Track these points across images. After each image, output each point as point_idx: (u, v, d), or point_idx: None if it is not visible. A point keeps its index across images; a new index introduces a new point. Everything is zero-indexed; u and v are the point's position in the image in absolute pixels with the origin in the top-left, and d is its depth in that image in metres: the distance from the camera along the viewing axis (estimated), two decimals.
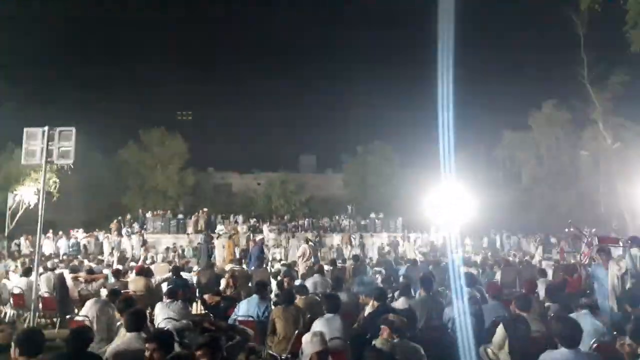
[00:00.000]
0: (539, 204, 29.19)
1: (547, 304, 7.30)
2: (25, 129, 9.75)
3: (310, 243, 18.85)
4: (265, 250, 21.15)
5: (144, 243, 21.54)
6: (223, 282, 9.41)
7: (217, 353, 3.38)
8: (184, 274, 10.67)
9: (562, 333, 4.01)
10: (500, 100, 35.80)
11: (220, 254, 19.19)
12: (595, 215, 26.67)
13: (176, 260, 18.52)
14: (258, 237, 19.32)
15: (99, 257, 17.38)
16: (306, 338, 4.29)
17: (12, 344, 3.61)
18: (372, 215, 28.54)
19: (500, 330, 5.21)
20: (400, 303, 7.02)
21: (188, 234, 23.18)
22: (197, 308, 9.75)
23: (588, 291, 9.15)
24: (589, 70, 25.90)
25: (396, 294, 7.92)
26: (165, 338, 3.86)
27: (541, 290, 8.54)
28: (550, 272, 11.25)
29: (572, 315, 5.43)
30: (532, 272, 11.02)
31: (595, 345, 4.89)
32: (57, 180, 24.06)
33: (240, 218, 27.58)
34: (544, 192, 29.30)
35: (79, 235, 22.38)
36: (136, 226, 24.90)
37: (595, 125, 26.59)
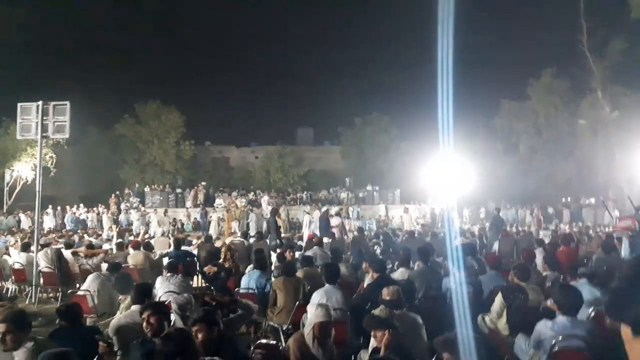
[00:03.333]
0: (537, 173, 29.20)
1: (544, 273, 7.38)
2: (19, 104, 9.72)
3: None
4: (265, 224, 21.32)
5: (165, 213, 21.57)
6: (221, 256, 9.45)
7: (213, 327, 3.40)
8: (184, 248, 10.74)
9: (562, 300, 4.05)
10: (499, 69, 35.51)
11: (215, 228, 19.35)
12: (593, 185, 26.77)
13: (175, 234, 18.66)
14: (323, 208, 19.59)
15: (98, 231, 17.46)
16: (311, 308, 4.32)
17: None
18: (369, 187, 28.58)
19: (498, 299, 5.26)
20: (399, 274, 7.08)
21: (187, 207, 23.23)
22: (197, 281, 9.84)
23: (585, 260, 9.26)
24: (589, 38, 25.57)
25: (395, 264, 7.99)
26: (159, 305, 3.99)
27: (538, 260, 8.63)
28: (547, 242, 11.31)
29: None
30: (530, 241, 11.11)
31: (593, 314, 4.93)
32: (54, 155, 23.97)
33: (237, 192, 27.61)
34: (542, 162, 29.26)
35: (79, 210, 22.41)
36: (135, 200, 24.91)
37: (594, 93, 26.41)
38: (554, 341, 3.88)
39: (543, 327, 4.04)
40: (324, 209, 20.25)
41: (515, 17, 39.31)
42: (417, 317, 4.43)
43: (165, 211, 21.29)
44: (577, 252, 9.63)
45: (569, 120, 28.80)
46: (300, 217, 19.91)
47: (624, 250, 9.32)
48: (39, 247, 9.60)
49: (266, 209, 23.46)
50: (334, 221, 15.47)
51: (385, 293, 4.56)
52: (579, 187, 27.47)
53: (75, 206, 23.00)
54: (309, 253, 8.58)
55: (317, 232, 15.03)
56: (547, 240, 11.55)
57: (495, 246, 11.39)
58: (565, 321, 3.98)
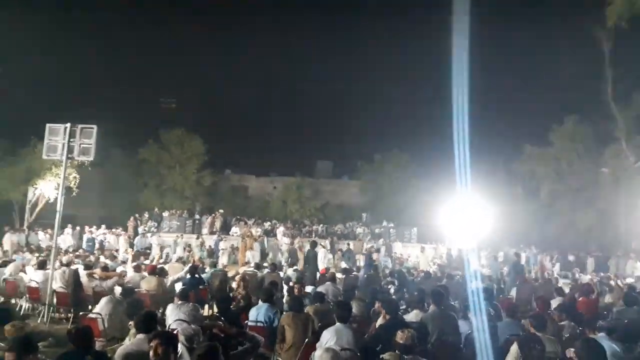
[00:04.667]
0: (558, 220, 28.71)
1: (561, 323, 7.17)
2: (47, 125, 9.97)
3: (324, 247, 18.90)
4: (279, 255, 21.23)
5: (181, 237, 21.69)
6: (234, 285, 9.42)
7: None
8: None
9: (585, 355, 3.92)
10: (521, 114, 35.31)
11: (228, 257, 19.33)
12: (615, 235, 26.16)
13: (190, 260, 18.65)
14: (367, 245, 19.55)
15: (114, 253, 17.56)
16: (318, 352, 4.25)
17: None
18: (385, 223, 28.37)
19: (514, 349, 5.12)
20: (412, 315, 6.95)
21: (201, 235, 23.30)
22: (208, 310, 9.79)
23: (605, 312, 8.97)
24: (613, 87, 25.47)
25: (409, 305, 7.84)
26: (167, 335, 3.97)
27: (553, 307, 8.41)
28: (567, 291, 11.01)
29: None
30: (549, 289, 10.83)
31: None
32: (77, 176, 24.43)
33: (253, 221, 27.63)
34: (563, 209, 28.81)
35: (98, 231, 22.64)
36: (152, 224, 25.10)
37: (617, 143, 26.10)
38: None
39: None
40: (368, 245, 20.15)
41: (540, 62, 39.43)
42: None
43: (181, 236, 21.36)
44: (597, 304, 9.35)
45: (591, 168, 28.43)
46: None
47: None
48: (58, 266, 9.71)
49: (281, 240, 23.41)
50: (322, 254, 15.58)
51: (400, 337, 4.46)
52: (600, 236, 26.88)
53: (94, 227, 23.25)
54: (320, 289, 8.49)
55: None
56: (566, 290, 11.25)
57: (513, 292, 11.13)
58: None
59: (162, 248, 20.86)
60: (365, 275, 12.33)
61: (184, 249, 20.35)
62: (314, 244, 14.86)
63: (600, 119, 26.53)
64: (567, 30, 31.35)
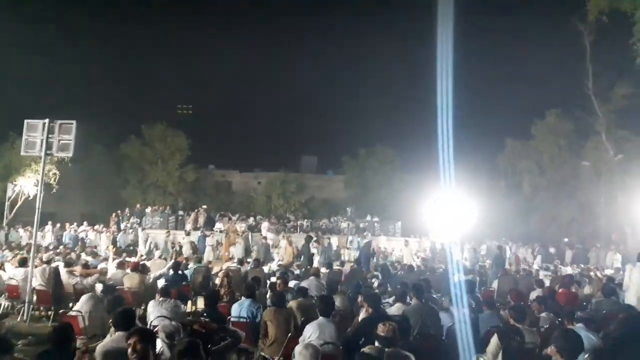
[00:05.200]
0: (539, 213, 29.13)
1: (540, 314, 7.28)
2: (25, 121, 9.78)
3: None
4: (263, 250, 21.15)
5: (168, 235, 21.44)
6: (218, 281, 9.37)
7: (197, 358, 3.38)
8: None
9: (564, 345, 3.96)
10: (503, 108, 35.72)
11: (210, 252, 19.22)
12: (595, 227, 26.65)
13: (173, 256, 18.50)
14: (366, 239, 19.52)
15: (95, 250, 17.36)
16: (299, 348, 4.25)
17: None
18: (369, 217, 28.47)
19: (494, 340, 5.17)
20: (395, 309, 6.99)
21: (186, 230, 23.11)
22: (191, 306, 9.74)
23: (585, 303, 9.12)
24: (594, 81, 25.82)
25: (391, 299, 7.88)
26: (145, 332, 3.93)
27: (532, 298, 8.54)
28: (547, 283, 11.18)
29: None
30: (530, 281, 10.99)
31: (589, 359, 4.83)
32: (57, 172, 24.07)
33: (237, 217, 27.48)
34: (544, 202, 29.23)
35: (79, 228, 22.35)
36: (135, 220, 24.84)
37: (598, 136, 26.51)
38: None
39: None
40: (366, 240, 20.17)
41: (521, 57, 39.86)
42: (410, 356, 4.35)
43: (168, 233, 21.20)
44: (577, 295, 9.50)
45: (572, 161, 28.86)
46: (298, 245, 19.82)
47: None
48: (38, 264, 9.56)
49: (265, 235, 23.34)
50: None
51: (381, 329, 4.48)
52: (581, 228, 27.34)
53: (75, 224, 22.95)
54: (304, 283, 8.49)
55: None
56: (547, 281, 11.43)
57: (495, 284, 11.28)
58: None
59: (150, 244, 20.68)
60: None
61: (170, 245, 20.15)
62: (308, 239, 15.07)
63: (581, 113, 26.91)
64: (549, 24, 31.83)
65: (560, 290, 9.34)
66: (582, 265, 18.05)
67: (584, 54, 26.10)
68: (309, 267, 12.51)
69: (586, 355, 4.87)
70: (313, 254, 15.88)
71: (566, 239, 24.36)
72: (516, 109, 34.10)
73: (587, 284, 11.94)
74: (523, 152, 30.65)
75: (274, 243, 22.00)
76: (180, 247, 20.18)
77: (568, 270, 16.50)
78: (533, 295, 9.10)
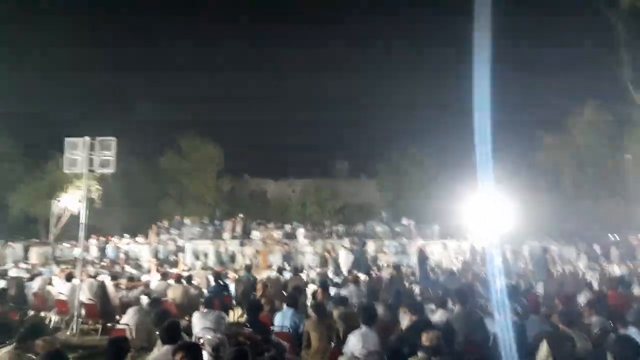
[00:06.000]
0: (581, 210, 28.20)
1: (592, 318, 7.02)
2: (66, 139, 10.06)
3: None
4: (301, 257, 21.27)
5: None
6: (258, 291, 9.44)
7: None
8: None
9: (620, 352, 3.83)
10: (539, 103, 34.81)
11: (246, 261, 19.40)
12: None
13: (214, 267, 18.81)
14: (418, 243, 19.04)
15: (139, 262, 17.81)
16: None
17: None
18: (405, 221, 28.11)
19: (544, 346, 5.03)
20: (438, 316, 6.88)
21: (224, 239, 23.43)
22: (233, 316, 9.84)
23: (634, 304, 8.75)
24: (632, 70, 24.89)
25: (433, 306, 7.76)
26: (191, 347, 3.98)
27: (582, 303, 8.24)
28: (595, 284, 10.80)
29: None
30: (577, 283, 10.64)
31: None
32: (100, 188, 24.85)
33: (273, 225, 27.66)
34: (586, 198, 28.30)
35: (121, 241, 22.96)
36: (174, 232, 25.34)
37: (638, 127, 25.54)
38: None
39: None
40: (419, 244, 19.92)
41: (556, 49, 38.79)
42: None
43: (218, 243, 21.64)
44: (627, 297, 9.11)
45: (613, 154, 27.87)
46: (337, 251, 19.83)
47: None
48: (85, 278, 9.86)
49: (302, 242, 23.42)
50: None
51: (425, 338, 4.42)
52: (625, 224, 26.31)
53: (117, 237, 23.59)
54: (344, 292, 8.46)
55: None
56: (595, 283, 11.04)
57: (540, 288, 10.95)
58: None
59: (197, 255, 21.09)
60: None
61: (205, 255, 20.49)
62: (362, 244, 15.07)
63: (620, 105, 25.99)
64: (582, 15, 30.82)
65: (609, 292, 9.01)
66: (630, 264, 17.36)
67: (619, 43, 25.22)
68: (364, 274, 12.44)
69: None
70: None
71: (611, 236, 23.52)
72: (553, 103, 33.17)
73: (637, 284, 11.46)
74: (561, 147, 29.77)
75: (310, 250, 22.10)
76: (220, 256, 20.47)
77: (615, 269, 15.90)
78: (581, 297, 8.81)
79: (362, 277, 11.60)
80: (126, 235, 24.40)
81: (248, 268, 12.76)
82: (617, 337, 4.29)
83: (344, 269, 16.73)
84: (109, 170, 10.31)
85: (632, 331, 5.31)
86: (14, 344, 4.94)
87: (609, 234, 24.11)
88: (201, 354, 4.03)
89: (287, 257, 20.42)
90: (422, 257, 13.93)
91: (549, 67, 37.22)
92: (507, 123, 26.80)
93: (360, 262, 14.65)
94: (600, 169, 28.37)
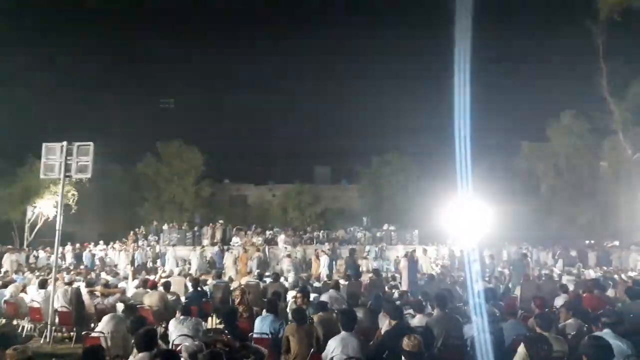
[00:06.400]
0: (558, 216, 28.73)
1: (567, 321, 7.11)
2: (44, 144, 9.89)
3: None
4: (281, 262, 21.18)
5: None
6: (235, 298, 9.35)
7: None
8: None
9: (594, 354, 3.87)
10: (518, 110, 35.44)
11: (230, 267, 19.21)
12: (616, 228, 26.18)
13: (197, 273, 18.61)
14: (409, 249, 18.94)
15: (115, 269, 17.49)
16: None
17: None
18: (385, 226, 28.25)
19: (521, 350, 5.06)
20: (417, 320, 6.89)
21: (203, 246, 23.20)
22: (212, 322, 9.73)
23: (608, 306, 8.90)
24: (608, 80, 25.53)
25: (412, 310, 7.78)
26: (168, 354, 3.96)
27: (559, 305, 8.34)
28: (571, 287, 10.96)
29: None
30: (553, 287, 10.78)
31: None
32: (76, 193, 24.41)
33: (253, 230, 27.51)
34: (563, 204, 28.84)
35: (97, 248, 22.58)
36: (152, 238, 25.02)
37: (615, 135, 26.18)
38: None
39: None
40: (409, 250, 19.95)
41: (534, 58, 39.59)
42: None
43: (197, 248, 21.42)
44: (602, 300, 9.26)
45: (590, 162, 28.50)
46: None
47: None
48: (62, 285, 9.65)
49: (282, 248, 23.32)
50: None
51: (406, 344, 4.40)
52: (601, 230, 26.89)
53: (93, 243, 23.18)
54: (324, 297, 8.43)
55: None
56: (571, 286, 11.20)
57: (517, 291, 11.08)
58: None
59: (177, 262, 20.85)
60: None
61: (185, 261, 20.28)
62: (352, 252, 15.34)
63: (597, 113, 26.60)
64: (561, 25, 31.51)
65: (585, 295, 9.15)
66: (605, 268, 17.71)
67: (597, 53, 25.88)
68: (353, 279, 12.49)
69: None
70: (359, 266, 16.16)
71: (587, 241, 23.98)
72: (531, 111, 33.86)
73: (611, 287, 11.68)
74: (539, 154, 30.33)
75: (290, 255, 22.02)
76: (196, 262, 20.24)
77: (591, 273, 16.20)
78: (557, 301, 8.92)
79: (343, 282, 11.57)
80: (103, 241, 23.98)
81: (219, 275, 12.63)
82: (589, 339, 4.35)
83: (324, 274, 16.72)
84: (86, 176, 10.18)
85: (606, 333, 5.38)
86: None
87: (585, 240, 24.59)
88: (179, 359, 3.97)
89: (265, 263, 20.31)
90: (412, 262, 14.14)
91: (529, 75, 37.92)
92: (486, 130, 27.22)
93: (350, 265, 14.96)
94: (577, 175, 28.94)
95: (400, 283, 13.28)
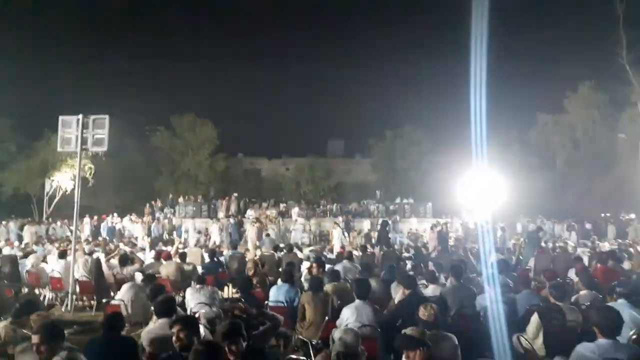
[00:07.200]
0: (574, 189, 28.41)
1: (581, 292, 7.11)
2: (60, 117, 9.92)
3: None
4: (295, 234, 21.40)
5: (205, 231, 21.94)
6: (249, 269, 9.49)
7: (241, 340, 3.44)
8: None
9: (602, 323, 3.89)
10: (535, 82, 34.79)
11: (252, 239, 19.44)
12: (635, 201, 25.83)
13: (207, 244, 18.89)
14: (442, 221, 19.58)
15: (133, 240, 17.82)
16: (338, 333, 4.25)
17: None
18: (399, 199, 28.25)
19: (534, 319, 5.10)
20: (430, 290, 6.96)
21: (219, 218, 23.46)
22: (228, 292, 9.90)
23: (622, 278, 8.88)
24: (628, 50, 24.85)
25: (424, 281, 7.84)
26: (188, 320, 4.02)
27: (574, 279, 8.34)
28: (586, 259, 10.93)
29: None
30: (567, 259, 10.76)
31: (635, 336, 4.72)
32: (92, 166, 24.70)
33: (267, 203, 27.71)
34: (579, 177, 28.46)
35: (115, 219, 22.94)
36: (168, 211, 25.34)
37: (633, 107, 25.60)
38: None
39: (584, 350, 3.88)
40: (442, 222, 20.23)
41: (553, 29, 38.59)
42: (453, 337, 4.31)
43: (217, 219, 21.74)
44: (616, 271, 9.23)
45: (608, 134, 27.97)
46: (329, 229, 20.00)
47: None
48: (82, 255, 9.87)
49: (296, 221, 23.50)
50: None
51: (422, 313, 4.45)
52: (619, 203, 26.56)
53: (111, 215, 23.56)
54: (338, 267, 8.52)
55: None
56: (585, 258, 11.17)
57: (531, 263, 11.08)
58: (606, 344, 3.82)
59: (199, 232, 21.17)
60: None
61: (202, 233, 20.57)
62: (385, 224, 15.80)
63: (616, 84, 26.00)
64: None
65: (599, 266, 9.13)
66: (620, 241, 17.59)
67: (616, 22, 25.12)
68: (385, 249, 12.69)
69: (632, 332, 4.78)
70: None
71: (603, 214, 23.76)
72: (548, 83, 33.19)
73: (627, 259, 11.62)
74: (556, 126, 29.83)
75: (304, 228, 22.19)
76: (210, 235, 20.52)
77: (606, 246, 16.09)
78: (571, 273, 8.91)
79: (356, 253, 11.67)
80: (120, 213, 24.35)
81: (234, 246, 12.79)
82: (597, 308, 4.36)
83: (337, 246, 16.84)
84: (103, 149, 10.19)
85: (621, 303, 5.37)
86: (9, 319, 4.96)
87: (602, 213, 24.36)
88: (198, 327, 4.07)
89: (279, 235, 20.51)
90: (443, 235, 14.43)
91: (546, 46, 37.07)
92: (502, 102, 26.80)
93: (383, 237, 15.26)
94: (594, 148, 28.48)
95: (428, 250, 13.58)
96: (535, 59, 36.88)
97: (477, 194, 16.84)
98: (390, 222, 24.06)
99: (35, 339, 3.64)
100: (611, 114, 27.92)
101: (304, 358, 4.67)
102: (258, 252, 13.31)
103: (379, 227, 17.44)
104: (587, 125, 28.71)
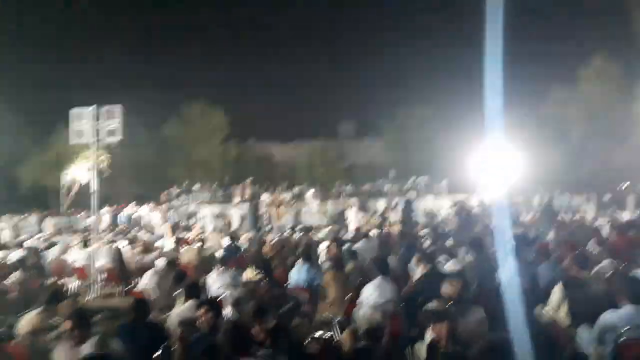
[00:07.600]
0: (590, 161, 28.02)
1: (602, 262, 7.06)
2: (70, 110, 9.84)
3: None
4: (310, 216, 21.51)
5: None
6: (268, 251, 9.58)
7: (267, 319, 3.53)
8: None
9: (627, 290, 3.88)
10: (548, 54, 34.08)
11: (269, 222, 19.61)
12: None
13: (226, 229, 19.07)
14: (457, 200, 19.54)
15: (151, 228, 18.06)
16: (362, 311, 4.30)
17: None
18: (412, 178, 28.07)
19: (558, 289, 5.09)
20: (449, 266, 6.96)
21: (236, 203, 23.64)
22: (248, 275, 9.99)
23: None
24: None
25: (442, 258, 7.83)
26: (213, 302, 4.20)
27: (594, 250, 8.28)
28: (605, 230, 10.82)
29: None
30: (587, 231, 10.67)
31: None
32: (109, 155, 24.93)
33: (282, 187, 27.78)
34: (595, 149, 28.05)
35: (133, 208, 23.22)
36: (184, 198, 25.58)
37: None
38: (621, 331, 3.73)
39: (609, 318, 3.89)
40: (458, 201, 19.94)
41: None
42: (481, 310, 4.32)
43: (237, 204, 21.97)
44: (638, 239, 9.12)
45: (623, 104, 27.44)
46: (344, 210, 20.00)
47: None
48: (103, 244, 10.04)
49: (311, 203, 23.59)
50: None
51: (447, 288, 4.47)
52: (636, 174, 26.16)
53: (131, 204, 23.84)
54: (357, 246, 8.57)
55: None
56: (605, 229, 11.06)
57: (551, 235, 11.00)
58: (631, 311, 3.81)
59: (217, 217, 21.37)
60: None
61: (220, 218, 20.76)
62: (408, 203, 16.26)
63: (630, 54, 25.42)
64: None
65: (620, 237, 9.05)
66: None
67: None
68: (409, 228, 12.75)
69: None
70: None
71: (623, 184, 23.45)
72: (562, 54, 32.47)
73: None
74: (570, 99, 29.32)
75: (319, 210, 22.27)
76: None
77: (626, 216, 15.93)
78: (591, 244, 8.85)
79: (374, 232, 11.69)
80: (136, 202, 24.61)
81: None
82: (621, 276, 4.35)
83: (353, 227, 16.89)
84: (116, 139, 10.12)
85: None
86: (40, 309, 5.08)
87: (620, 183, 24.06)
88: (221, 308, 4.16)
89: (295, 218, 20.64)
90: (462, 211, 14.45)
91: (559, 17, 36.22)
92: (515, 75, 26.30)
93: (407, 216, 15.35)
94: (609, 120, 27.99)
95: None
96: (549, 29, 36.03)
97: (492, 169, 16.73)
98: (404, 201, 24.06)
99: (67, 324, 3.75)
100: (627, 84, 27.34)
101: (330, 333, 4.73)
102: (276, 236, 13.41)
103: (400, 205, 17.48)
104: (602, 95, 28.18)
